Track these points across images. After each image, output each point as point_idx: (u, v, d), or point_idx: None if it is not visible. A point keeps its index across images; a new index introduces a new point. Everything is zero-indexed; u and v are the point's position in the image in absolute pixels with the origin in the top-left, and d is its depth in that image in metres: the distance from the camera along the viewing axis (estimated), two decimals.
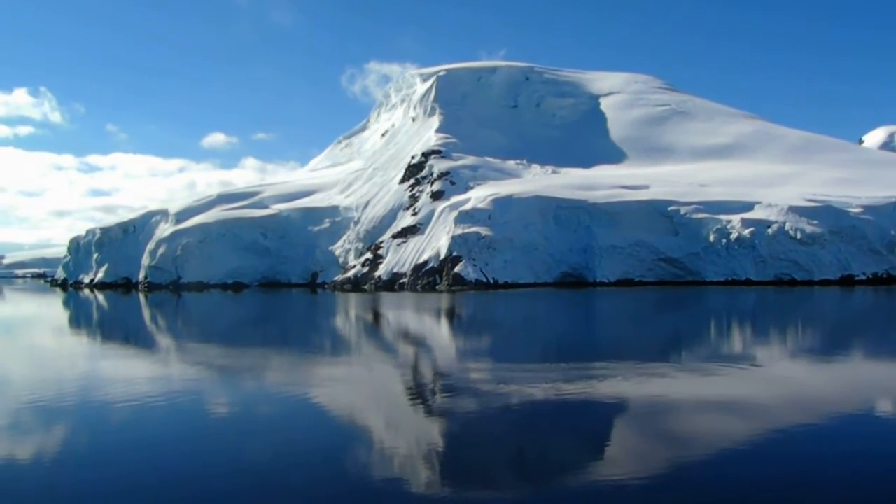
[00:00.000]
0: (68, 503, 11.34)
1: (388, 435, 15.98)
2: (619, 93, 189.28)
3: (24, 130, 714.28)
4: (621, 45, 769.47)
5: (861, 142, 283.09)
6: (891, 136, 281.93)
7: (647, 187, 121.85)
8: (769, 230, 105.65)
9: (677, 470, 12.48)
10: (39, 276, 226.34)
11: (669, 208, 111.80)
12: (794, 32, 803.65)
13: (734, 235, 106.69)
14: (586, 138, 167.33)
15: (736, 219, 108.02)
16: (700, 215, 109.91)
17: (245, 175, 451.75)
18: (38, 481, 12.60)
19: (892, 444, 14.20)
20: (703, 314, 55.29)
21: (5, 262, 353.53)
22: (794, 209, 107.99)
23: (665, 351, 30.53)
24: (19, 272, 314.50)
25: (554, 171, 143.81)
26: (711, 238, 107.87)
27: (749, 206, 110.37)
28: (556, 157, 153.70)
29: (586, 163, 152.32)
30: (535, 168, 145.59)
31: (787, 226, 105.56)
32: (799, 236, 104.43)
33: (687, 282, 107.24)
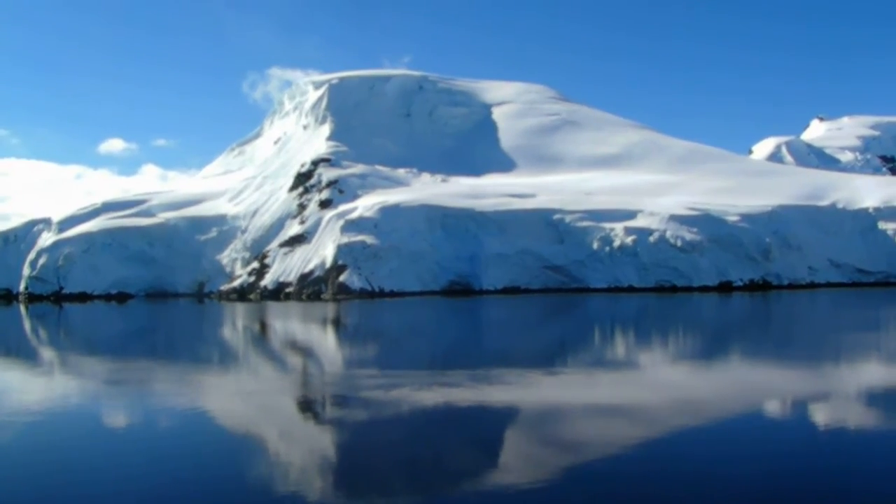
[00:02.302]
0: None
1: (281, 446, 15.49)
2: (511, 102, 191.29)
3: None
4: (518, 55, 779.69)
5: (750, 152, 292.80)
6: (778, 147, 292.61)
7: (534, 196, 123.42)
8: (651, 238, 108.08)
9: (570, 475, 12.50)
10: None
11: (555, 217, 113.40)
12: (690, 50, 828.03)
13: (617, 243, 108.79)
14: (477, 147, 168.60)
15: (619, 227, 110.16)
16: (584, 223, 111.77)
17: (145, 182, 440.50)
18: None
19: (772, 444, 14.41)
20: (587, 321, 55.78)
21: None
22: (674, 217, 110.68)
23: (551, 357, 30.46)
24: None
25: (444, 180, 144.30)
26: (595, 246, 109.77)
27: (632, 215, 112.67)
28: (447, 166, 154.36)
29: (477, 171, 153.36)
30: (425, 177, 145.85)
31: (668, 234, 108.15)
32: (679, 244, 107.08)
33: (572, 289, 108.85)
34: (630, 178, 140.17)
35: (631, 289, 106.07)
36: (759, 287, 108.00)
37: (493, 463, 13.69)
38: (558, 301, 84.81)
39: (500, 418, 17.75)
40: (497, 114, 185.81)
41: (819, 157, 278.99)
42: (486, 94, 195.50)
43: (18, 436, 16.69)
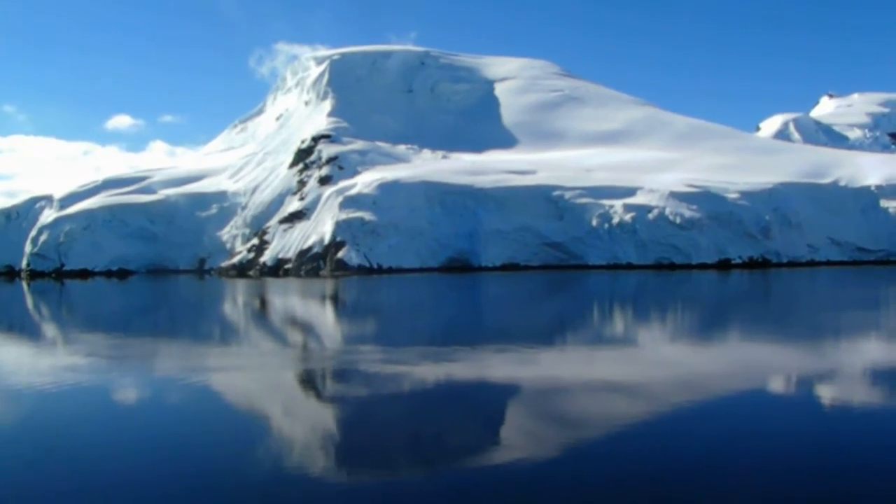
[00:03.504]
0: None
1: (283, 422, 15.48)
2: (514, 78, 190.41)
3: None
4: (523, 31, 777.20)
5: (758, 129, 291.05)
6: (786, 124, 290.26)
7: (534, 173, 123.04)
8: (650, 215, 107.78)
9: (571, 451, 12.39)
10: None
11: (554, 193, 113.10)
12: (699, 27, 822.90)
13: (616, 220, 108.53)
14: (479, 123, 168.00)
15: (618, 204, 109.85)
16: (584, 200, 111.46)
17: (153, 159, 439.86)
18: None
19: (773, 421, 14.29)
20: (587, 298, 55.59)
21: None
22: (674, 195, 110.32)
23: (551, 334, 30.31)
24: None
25: (444, 157, 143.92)
26: (594, 223, 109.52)
27: (632, 192, 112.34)
28: (448, 143, 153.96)
29: (478, 148, 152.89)
30: (426, 153, 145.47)
31: (668, 211, 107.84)
32: (678, 221, 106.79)
33: (570, 266, 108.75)
34: (631, 155, 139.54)
35: (630, 266, 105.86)
36: (759, 265, 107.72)
37: (494, 439, 13.63)
38: (557, 278, 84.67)
39: (501, 394, 17.70)
40: (499, 90, 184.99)
41: (827, 135, 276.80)
42: (489, 69, 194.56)
43: (23, 411, 16.74)
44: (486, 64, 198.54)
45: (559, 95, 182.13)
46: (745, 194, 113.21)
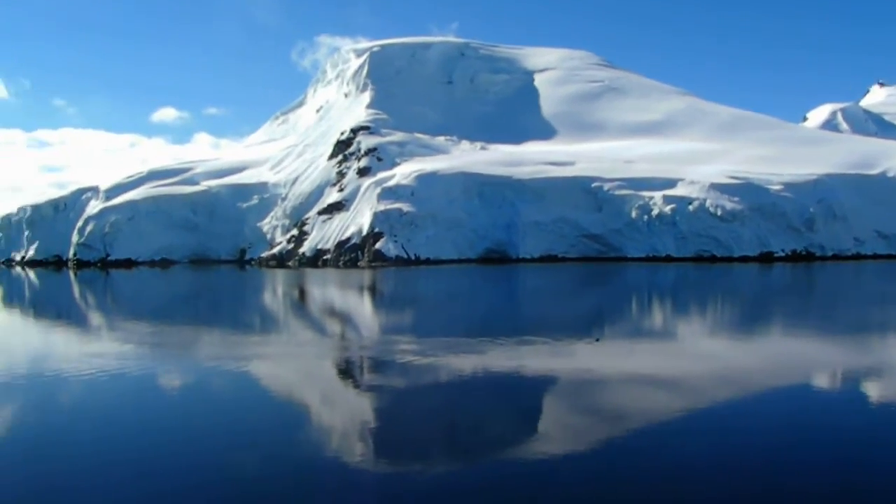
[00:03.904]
0: (25, 481, 10.99)
1: (322, 410, 15.78)
2: (554, 69, 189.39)
3: None
4: (564, 22, 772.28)
5: (805, 120, 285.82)
6: (833, 114, 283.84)
7: (573, 164, 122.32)
8: (690, 207, 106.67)
9: (609, 444, 12.38)
10: None
11: (593, 185, 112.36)
12: (746, 17, 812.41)
13: (655, 212, 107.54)
14: (518, 114, 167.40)
15: (658, 195, 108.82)
16: (623, 192, 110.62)
17: (197, 151, 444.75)
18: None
19: (812, 415, 14.17)
20: (625, 290, 55.24)
21: None
22: (715, 186, 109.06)
23: (589, 326, 30.11)
24: None
25: (483, 148, 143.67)
26: (633, 214, 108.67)
27: (672, 183, 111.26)
28: (487, 134, 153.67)
29: (517, 139, 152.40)
30: (465, 144, 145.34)
31: (708, 203, 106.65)
32: (719, 213, 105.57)
33: (609, 258, 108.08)
34: (672, 146, 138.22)
35: (669, 258, 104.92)
36: (802, 258, 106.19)
37: (530, 431, 13.62)
38: (595, 270, 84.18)
39: (537, 386, 17.66)
40: (539, 80, 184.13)
41: (878, 124, 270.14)
42: (529, 60, 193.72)
43: (72, 396, 17.16)
44: (525, 55, 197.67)
45: (599, 86, 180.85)
46: (789, 186, 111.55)
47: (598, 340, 23.70)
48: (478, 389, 17.53)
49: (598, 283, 63.70)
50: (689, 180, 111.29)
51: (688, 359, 21.06)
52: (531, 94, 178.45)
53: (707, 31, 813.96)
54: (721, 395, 16.11)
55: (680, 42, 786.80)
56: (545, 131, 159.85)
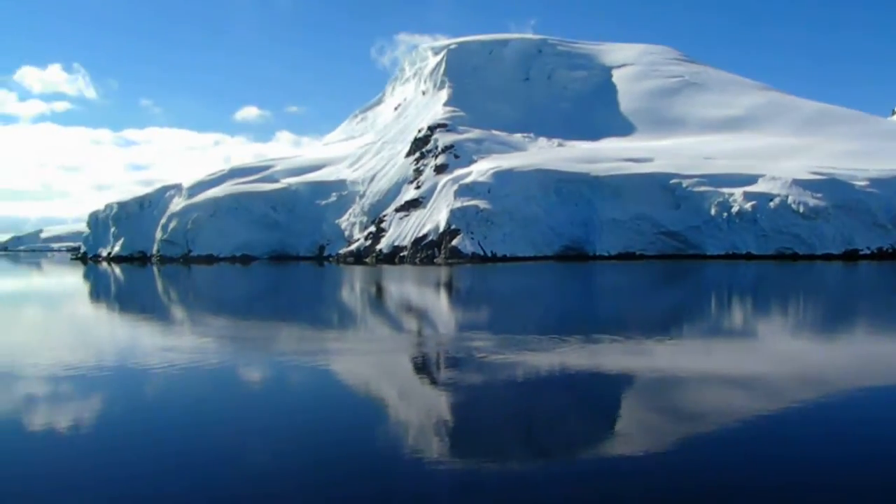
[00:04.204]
0: (111, 469, 11.61)
1: (400, 406, 16.08)
2: (632, 64, 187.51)
3: (60, 106, 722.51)
4: (644, 16, 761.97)
5: (893, 113, 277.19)
6: None
7: (651, 160, 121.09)
8: (771, 203, 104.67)
9: (686, 445, 12.33)
10: (74, 249, 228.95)
11: (672, 181, 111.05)
12: (831, 8, 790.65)
13: (735, 209, 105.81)
14: (596, 111, 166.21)
15: (738, 192, 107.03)
16: (702, 188, 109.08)
17: (279, 148, 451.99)
18: (84, 447, 12.96)
19: None
20: (704, 288, 54.61)
21: (42, 235, 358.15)
22: (798, 182, 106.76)
23: (667, 325, 29.93)
24: (56, 246, 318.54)
25: (560, 144, 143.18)
26: (713, 211, 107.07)
27: (753, 180, 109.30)
28: (565, 130, 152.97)
29: (594, 135, 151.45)
30: (542, 141, 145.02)
31: (790, 199, 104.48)
32: (802, 210, 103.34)
33: (688, 255, 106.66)
34: (753, 142, 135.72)
35: (749, 256, 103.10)
36: (889, 256, 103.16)
37: (608, 430, 13.63)
38: (674, 268, 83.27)
39: (615, 384, 17.68)
40: (617, 76, 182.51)
41: None
42: (607, 56, 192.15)
43: (156, 389, 17.84)
44: (604, 50, 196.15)
45: (678, 81, 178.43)
46: (875, 181, 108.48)
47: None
48: (554, 387, 17.64)
49: (676, 281, 63.08)
50: (770, 176, 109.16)
51: (769, 359, 20.63)
52: (609, 90, 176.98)
53: (790, 23, 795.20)
54: (803, 398, 15.79)
55: (762, 35, 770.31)
56: (623, 127, 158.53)
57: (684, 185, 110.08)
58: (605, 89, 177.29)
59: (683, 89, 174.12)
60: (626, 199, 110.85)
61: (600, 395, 16.88)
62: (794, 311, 36.43)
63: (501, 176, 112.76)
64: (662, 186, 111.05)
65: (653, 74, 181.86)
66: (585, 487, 10.53)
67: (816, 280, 61.59)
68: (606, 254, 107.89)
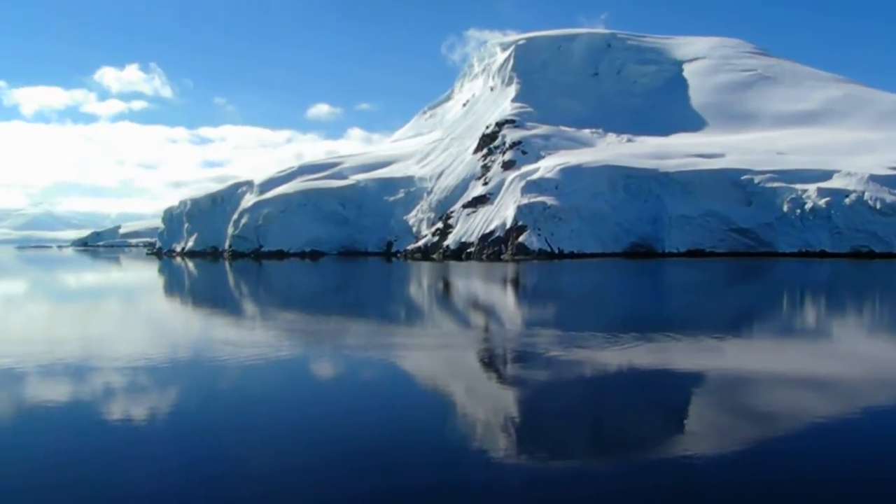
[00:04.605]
0: (190, 457, 12.23)
1: (467, 402, 16.24)
2: (704, 58, 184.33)
3: (137, 105, 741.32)
4: (718, 8, 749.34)
5: None
6: None
7: (722, 156, 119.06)
8: (847, 200, 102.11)
9: (758, 447, 12.14)
10: (151, 244, 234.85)
11: (743, 177, 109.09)
12: None
13: (809, 206, 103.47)
14: (666, 106, 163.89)
15: (812, 188, 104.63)
16: (774, 184, 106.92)
17: (350, 145, 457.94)
18: (171, 435, 13.54)
19: None
20: (776, 286, 53.87)
21: (121, 231, 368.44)
22: (875, 178, 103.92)
23: (738, 323, 29.66)
24: (133, 241, 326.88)
25: (629, 140, 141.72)
26: (785, 208, 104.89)
27: (827, 175, 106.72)
28: (634, 126, 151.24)
29: (664, 131, 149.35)
30: (611, 137, 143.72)
31: (867, 195, 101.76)
32: (878, 206, 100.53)
33: (759, 253, 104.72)
34: (828, 137, 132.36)
35: (823, 254, 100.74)
36: None
37: (677, 429, 13.56)
38: (744, 265, 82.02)
39: (684, 384, 17.61)
40: (688, 70, 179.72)
41: None
42: (678, 50, 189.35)
43: (230, 381, 18.51)
44: (674, 44, 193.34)
45: (752, 75, 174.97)
46: None
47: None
48: (622, 385, 17.62)
49: (747, 279, 62.21)
50: (845, 172, 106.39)
51: (843, 360, 20.26)
52: (680, 84, 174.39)
53: (868, 13, 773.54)
54: (879, 401, 15.47)
55: (839, 26, 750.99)
56: (694, 123, 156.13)
57: (756, 181, 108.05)
58: (675, 84, 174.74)
59: (756, 83, 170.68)
60: (695, 195, 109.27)
61: (668, 393, 16.78)
62: (871, 311, 35.69)
63: (569, 172, 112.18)
64: (733, 182, 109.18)
65: (725, 68, 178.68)
66: (652, 486, 10.51)
67: (894, 279, 60.08)
68: (675, 251, 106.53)
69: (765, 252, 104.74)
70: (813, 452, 11.95)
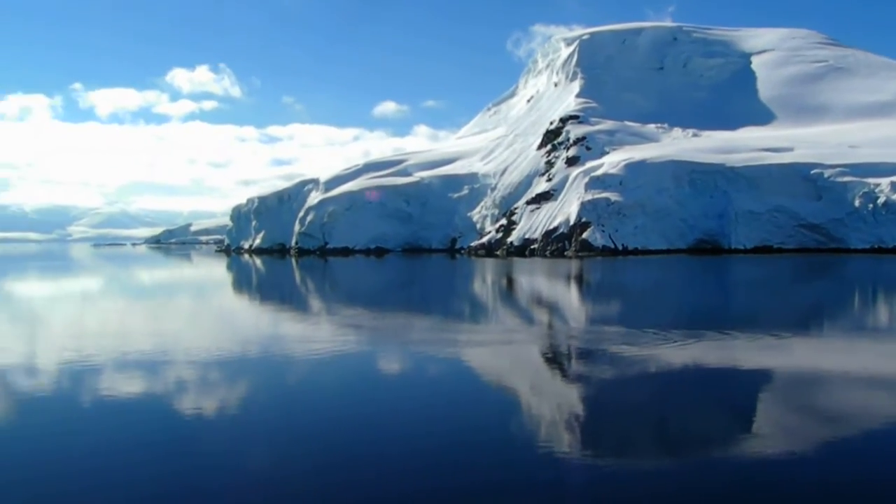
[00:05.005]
0: (261, 449, 12.54)
1: (530, 399, 16.36)
2: (772, 50, 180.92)
3: (208, 105, 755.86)
4: (790, 1, 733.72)
5: None
6: None
7: (791, 150, 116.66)
8: None
9: (829, 448, 12.04)
10: (220, 241, 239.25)
11: (812, 172, 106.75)
12: None
13: (882, 200, 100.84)
14: (733, 99, 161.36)
15: (885, 182, 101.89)
16: (845, 179, 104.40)
17: (416, 142, 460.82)
18: (239, 430, 13.85)
19: None
20: (847, 283, 52.78)
21: (192, 229, 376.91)
22: None
23: (807, 321, 29.30)
24: (204, 239, 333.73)
25: (695, 135, 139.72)
26: (857, 203, 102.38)
27: None
28: (700, 120, 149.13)
29: (731, 125, 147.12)
30: (676, 132, 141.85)
31: None
32: None
33: (829, 249, 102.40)
34: None
35: None
36: None
37: (745, 429, 13.43)
38: (814, 262, 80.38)
39: (751, 382, 17.41)
40: (756, 63, 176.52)
41: None
42: (745, 42, 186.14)
43: (298, 374, 19.04)
44: (742, 36, 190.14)
45: (823, 66, 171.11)
46: None
47: None
48: (687, 383, 17.52)
49: (817, 276, 61.10)
50: None
51: None
52: (747, 77, 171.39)
53: None
54: None
55: None
56: (762, 116, 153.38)
57: (826, 176, 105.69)
58: (743, 77, 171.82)
59: (828, 74, 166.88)
60: (763, 190, 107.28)
61: (735, 391, 16.62)
62: None
63: (633, 167, 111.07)
64: (803, 177, 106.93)
65: (795, 60, 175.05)
66: (719, 485, 10.49)
67: None
68: (742, 247, 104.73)
69: (835, 248, 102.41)
70: (884, 455, 11.77)
